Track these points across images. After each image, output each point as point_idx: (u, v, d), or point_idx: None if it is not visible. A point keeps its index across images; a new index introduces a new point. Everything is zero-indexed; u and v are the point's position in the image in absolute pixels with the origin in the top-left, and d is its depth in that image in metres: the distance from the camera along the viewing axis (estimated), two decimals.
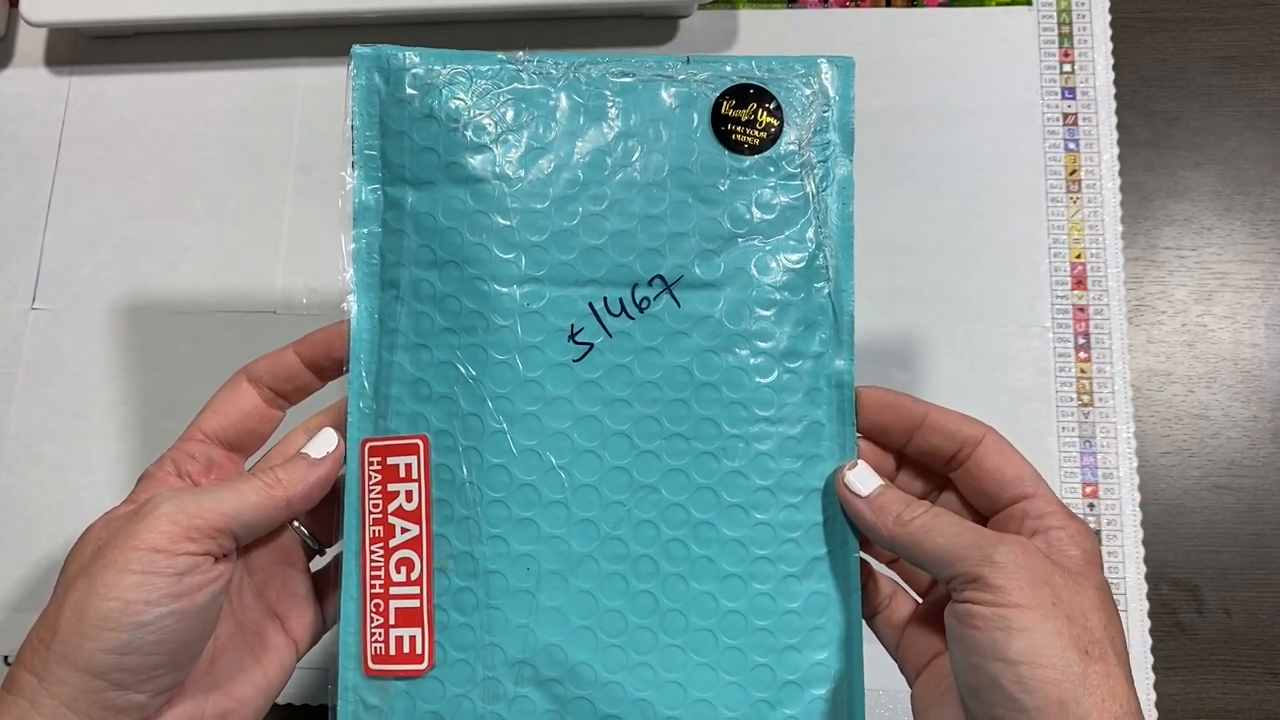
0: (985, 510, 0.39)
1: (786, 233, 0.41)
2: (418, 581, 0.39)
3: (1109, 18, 0.59)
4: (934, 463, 0.40)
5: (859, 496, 0.38)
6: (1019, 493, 0.38)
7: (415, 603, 0.39)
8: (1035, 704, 0.32)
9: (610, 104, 0.40)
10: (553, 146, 0.40)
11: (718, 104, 0.41)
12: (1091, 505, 0.54)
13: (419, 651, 0.39)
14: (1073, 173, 0.58)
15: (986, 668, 0.33)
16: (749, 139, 0.41)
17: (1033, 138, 0.58)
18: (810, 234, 0.41)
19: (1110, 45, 0.59)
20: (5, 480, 0.56)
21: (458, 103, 0.40)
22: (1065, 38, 0.59)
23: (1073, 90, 0.59)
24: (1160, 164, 0.58)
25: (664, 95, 0.41)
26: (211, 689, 0.37)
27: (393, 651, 0.39)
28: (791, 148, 0.41)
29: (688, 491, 0.39)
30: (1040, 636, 0.33)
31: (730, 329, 0.40)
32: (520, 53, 0.41)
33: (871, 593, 0.42)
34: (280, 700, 0.53)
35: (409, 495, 0.40)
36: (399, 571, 0.40)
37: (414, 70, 0.40)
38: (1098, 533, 0.53)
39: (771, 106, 0.41)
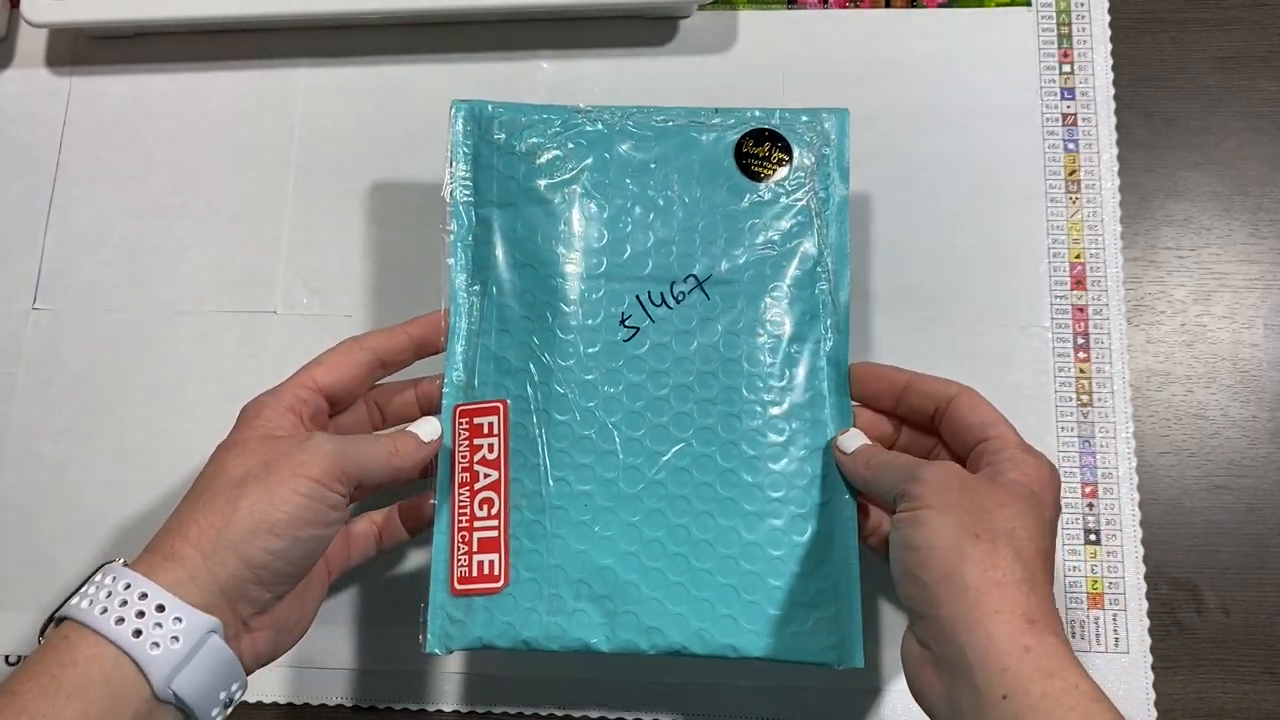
0: (962, 455, 0.46)
1: (794, 243, 0.50)
2: (496, 516, 0.48)
3: (1108, 18, 0.60)
4: (922, 420, 0.48)
5: (845, 453, 0.47)
6: (982, 435, 0.44)
7: (494, 533, 0.48)
8: (930, 579, 0.39)
9: (655, 143, 0.51)
10: (609, 174, 0.50)
11: (740, 143, 0.51)
12: (1091, 505, 0.54)
13: (496, 573, 0.47)
14: (1072, 173, 0.58)
15: (900, 558, 0.41)
16: (765, 171, 0.50)
17: (1032, 138, 0.58)
18: (813, 244, 0.50)
19: (1109, 46, 0.59)
20: (5, 480, 0.56)
21: (535, 141, 0.50)
22: (1065, 38, 0.60)
23: (1072, 91, 0.59)
24: (1159, 164, 0.58)
25: (697, 136, 0.51)
26: (293, 599, 0.43)
27: (475, 574, 0.48)
28: (800, 178, 0.50)
29: (715, 444, 0.48)
30: (937, 526, 0.40)
31: (750, 316, 0.49)
32: (581, 104, 0.52)
33: (864, 524, 0.49)
34: (280, 700, 0.53)
35: (490, 448, 0.48)
36: (482, 509, 0.48)
37: (501, 118, 0.51)
38: (1096, 532, 0.53)
39: (782, 145, 0.51)
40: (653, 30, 0.61)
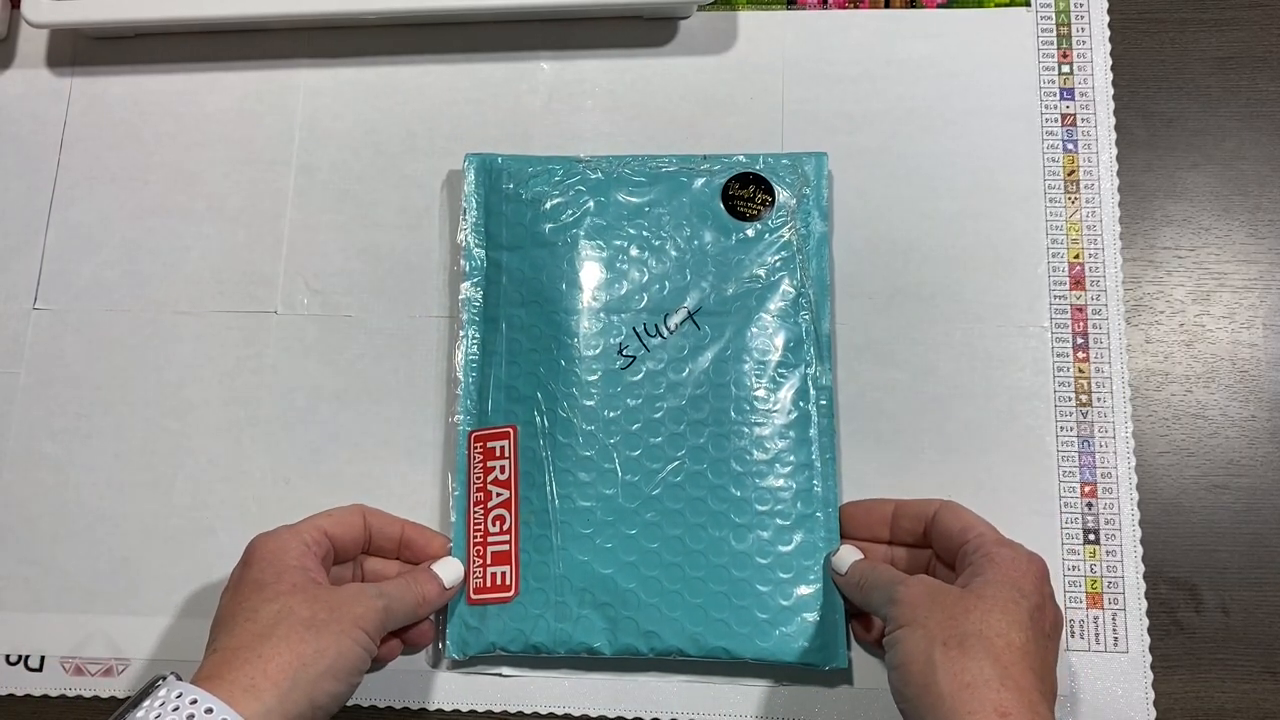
0: (950, 561, 0.48)
1: (778, 277, 0.54)
2: (507, 532, 0.52)
3: (1107, 18, 0.60)
4: (916, 539, 0.50)
5: (839, 574, 0.50)
6: (963, 539, 0.47)
7: (506, 547, 0.52)
8: (911, 693, 0.42)
9: (649, 187, 0.55)
10: (607, 217, 0.55)
11: (727, 187, 0.55)
12: (1090, 504, 0.54)
13: (508, 583, 0.52)
14: (1071, 173, 0.58)
15: (890, 680, 0.43)
16: (750, 211, 0.55)
17: (1031, 138, 0.58)
18: (796, 278, 0.54)
19: (1109, 46, 0.59)
20: (6, 480, 0.57)
21: (540, 189, 0.55)
22: (1064, 38, 0.60)
23: (1071, 91, 0.59)
24: (1158, 164, 0.58)
25: (687, 181, 0.55)
26: None
27: (489, 584, 0.52)
28: (782, 217, 0.55)
29: (706, 462, 0.52)
30: (910, 644, 0.42)
31: (737, 345, 0.53)
32: (582, 154, 0.56)
33: (863, 629, 0.52)
34: None
35: (502, 469, 0.53)
36: (495, 525, 0.52)
37: (509, 169, 0.56)
38: (1095, 532, 0.53)
39: (765, 188, 0.55)
40: (653, 31, 0.61)
